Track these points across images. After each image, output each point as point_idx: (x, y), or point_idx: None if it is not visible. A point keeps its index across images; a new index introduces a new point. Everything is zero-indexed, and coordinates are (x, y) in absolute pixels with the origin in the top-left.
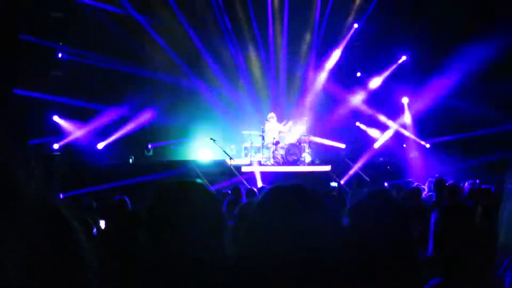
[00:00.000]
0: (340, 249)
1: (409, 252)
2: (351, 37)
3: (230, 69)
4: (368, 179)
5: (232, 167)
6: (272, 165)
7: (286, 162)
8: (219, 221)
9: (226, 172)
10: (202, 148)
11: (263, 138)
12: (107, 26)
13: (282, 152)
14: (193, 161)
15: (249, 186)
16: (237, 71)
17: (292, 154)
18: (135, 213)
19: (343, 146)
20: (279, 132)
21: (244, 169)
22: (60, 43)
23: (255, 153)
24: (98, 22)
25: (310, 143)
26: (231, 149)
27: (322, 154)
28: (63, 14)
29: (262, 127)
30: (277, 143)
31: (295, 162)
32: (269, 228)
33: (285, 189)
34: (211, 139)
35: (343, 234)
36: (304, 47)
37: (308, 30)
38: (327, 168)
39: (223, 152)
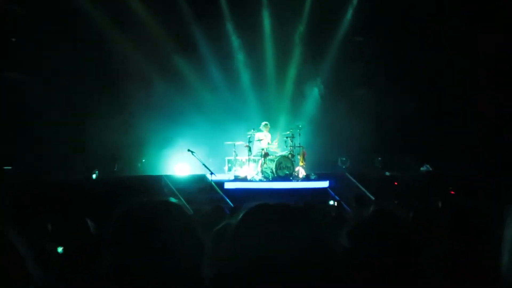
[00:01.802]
0: (335, 276)
1: (419, 279)
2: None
3: (209, 71)
4: (372, 197)
5: (213, 183)
6: (260, 180)
7: (276, 178)
8: (197, 246)
9: (206, 189)
10: (179, 162)
11: (249, 150)
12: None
13: (271, 165)
14: (168, 177)
15: (232, 205)
16: (218, 73)
17: (283, 168)
18: (99, 237)
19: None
20: (267, 144)
21: (227, 185)
22: None
23: (240, 166)
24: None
25: (305, 156)
26: (212, 162)
27: (318, 168)
28: None
29: (249, 136)
30: (266, 155)
31: (287, 178)
32: (249, 253)
33: (268, 209)
34: (188, 150)
35: (343, 257)
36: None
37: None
38: (324, 184)
39: (203, 166)
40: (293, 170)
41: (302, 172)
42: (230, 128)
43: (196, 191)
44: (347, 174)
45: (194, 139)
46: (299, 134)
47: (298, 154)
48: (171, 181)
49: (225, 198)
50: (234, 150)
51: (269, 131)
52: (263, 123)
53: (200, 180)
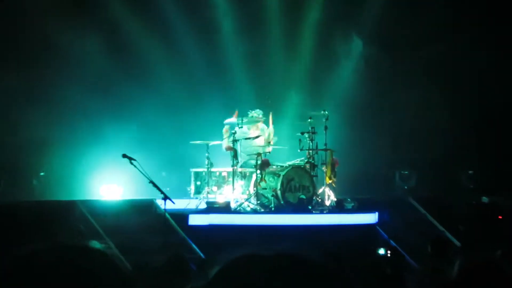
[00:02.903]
0: None
1: None
2: None
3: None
4: (457, 242)
5: (168, 215)
6: (254, 211)
7: (283, 206)
8: None
9: (155, 226)
10: (108, 178)
11: (234, 156)
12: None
13: (275, 183)
14: (87, 203)
15: (203, 256)
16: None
17: (296, 188)
18: None
19: None
20: (267, 145)
21: (194, 219)
22: None
23: (219, 186)
24: None
25: (335, 166)
26: (167, 178)
27: (359, 189)
28: None
29: (233, 132)
30: (264, 165)
31: (302, 206)
32: None
33: (262, 263)
34: (125, 157)
35: None
36: None
37: None
38: (370, 217)
39: (151, 185)
40: (314, 192)
41: (330, 196)
42: (202, 118)
43: (138, 229)
44: (411, 200)
45: (138, 137)
46: (325, 129)
47: (323, 163)
48: (92, 211)
49: (190, 242)
50: (207, 156)
51: (266, 123)
52: (252, 113)
53: (146, 210)
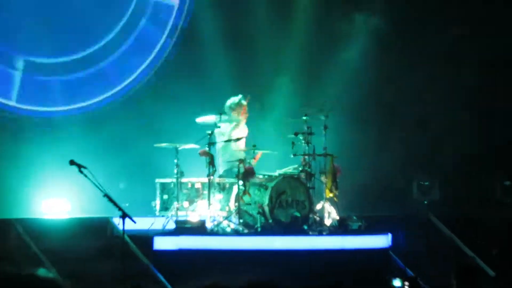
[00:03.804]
0: None
1: None
2: None
3: None
4: (491, 272)
5: (126, 238)
6: (236, 232)
7: (272, 226)
8: None
9: (111, 251)
10: (51, 191)
11: (210, 163)
12: None
13: (262, 197)
14: (26, 222)
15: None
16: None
17: (288, 203)
18: None
19: None
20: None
21: (160, 243)
22: None
23: (191, 202)
24: None
25: (337, 175)
26: (127, 192)
27: (368, 205)
28: None
29: (209, 133)
30: (248, 174)
31: (295, 226)
32: None
33: None
34: (73, 164)
35: None
36: None
37: None
38: (381, 240)
39: (106, 200)
40: (311, 209)
41: (330, 213)
42: (170, 115)
43: (90, 254)
44: (433, 217)
45: (90, 138)
46: (325, 128)
47: (323, 172)
48: (32, 232)
49: (155, 271)
50: (177, 163)
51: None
52: (237, 99)
53: (100, 231)
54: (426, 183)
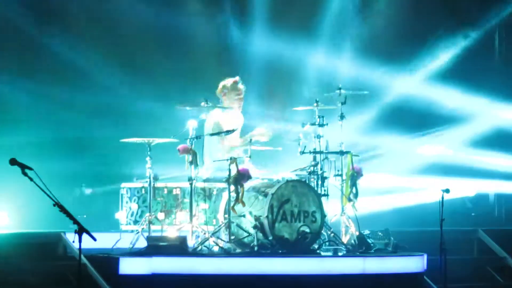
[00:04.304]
0: None
1: None
2: None
3: None
4: None
5: (83, 260)
6: (227, 253)
7: (276, 243)
8: None
9: (63, 277)
10: None
11: (193, 163)
12: None
13: (259, 209)
14: None
15: None
16: None
17: (294, 215)
18: None
19: None
20: (250, 140)
21: (127, 266)
22: None
23: (167, 210)
24: None
25: (358, 174)
26: (82, 194)
27: (398, 217)
28: None
29: (188, 126)
30: (241, 177)
31: (303, 244)
32: None
33: None
34: (14, 163)
35: None
36: None
37: None
38: (413, 263)
39: (57, 210)
40: (323, 223)
41: (349, 228)
42: (140, 102)
43: (35, 280)
44: (482, 233)
45: (38, 132)
46: (341, 118)
47: (338, 174)
48: None
49: None
50: (149, 163)
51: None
52: (231, 81)
53: (49, 251)
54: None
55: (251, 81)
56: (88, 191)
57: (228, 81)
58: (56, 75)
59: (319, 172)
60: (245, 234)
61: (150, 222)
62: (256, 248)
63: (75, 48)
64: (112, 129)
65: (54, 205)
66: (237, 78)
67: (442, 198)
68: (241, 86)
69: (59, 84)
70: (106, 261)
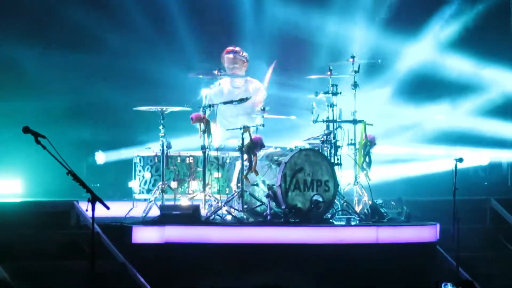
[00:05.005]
0: None
1: None
2: None
3: None
4: None
5: (97, 229)
6: (239, 222)
7: (289, 212)
8: None
9: (77, 245)
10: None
11: (206, 131)
12: None
13: (273, 177)
14: None
15: None
16: None
17: (307, 184)
18: None
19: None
20: (262, 110)
21: (140, 234)
22: None
23: (180, 179)
24: None
25: (372, 143)
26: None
27: (410, 186)
28: None
29: (203, 95)
30: (257, 143)
31: (316, 213)
32: None
33: None
34: (27, 131)
35: None
36: None
37: None
38: (426, 232)
39: (70, 179)
40: (336, 192)
41: (362, 197)
42: (154, 68)
43: (49, 248)
44: (495, 203)
45: (50, 100)
46: (354, 86)
47: (352, 143)
48: None
49: (134, 270)
50: (162, 131)
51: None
52: (233, 50)
53: (62, 219)
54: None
55: (264, 50)
56: (101, 158)
57: (222, 54)
58: (70, 41)
59: (332, 141)
60: (258, 203)
61: (163, 191)
62: (269, 217)
63: (89, 13)
64: (123, 95)
65: (67, 174)
66: (228, 48)
67: (456, 167)
68: (230, 56)
69: (72, 49)
70: (119, 230)
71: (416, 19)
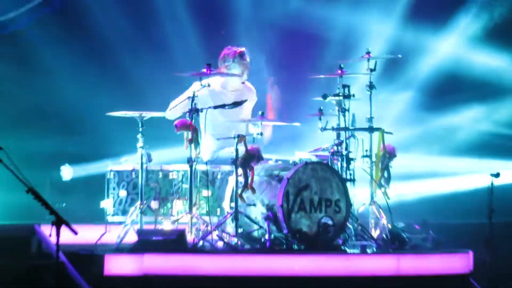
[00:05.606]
0: None
1: None
2: None
3: None
4: None
5: (62, 258)
6: (233, 250)
7: (292, 238)
8: None
9: (38, 276)
10: None
11: (193, 141)
12: None
13: (269, 195)
14: None
15: None
16: None
17: (314, 203)
18: None
19: None
20: (261, 115)
21: (114, 265)
22: None
23: (162, 198)
24: None
25: (392, 154)
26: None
27: (438, 207)
28: None
29: (191, 96)
30: (254, 155)
31: (325, 239)
32: None
33: None
34: None
35: None
36: None
37: None
38: (457, 262)
39: (32, 197)
40: (349, 213)
41: (380, 220)
42: (135, 72)
43: (5, 280)
44: None
45: (14, 106)
46: (370, 87)
47: (367, 155)
48: None
49: None
50: (141, 142)
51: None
52: (233, 52)
53: (19, 246)
54: None
55: (265, 46)
56: (67, 173)
57: (230, 52)
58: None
59: (344, 152)
60: (255, 226)
61: (141, 212)
62: (268, 244)
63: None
64: (97, 98)
65: (27, 192)
66: (243, 48)
67: (492, 184)
68: (247, 60)
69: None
70: (89, 259)
71: (443, 9)
